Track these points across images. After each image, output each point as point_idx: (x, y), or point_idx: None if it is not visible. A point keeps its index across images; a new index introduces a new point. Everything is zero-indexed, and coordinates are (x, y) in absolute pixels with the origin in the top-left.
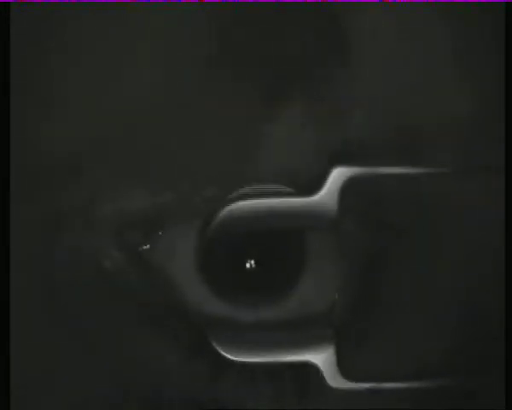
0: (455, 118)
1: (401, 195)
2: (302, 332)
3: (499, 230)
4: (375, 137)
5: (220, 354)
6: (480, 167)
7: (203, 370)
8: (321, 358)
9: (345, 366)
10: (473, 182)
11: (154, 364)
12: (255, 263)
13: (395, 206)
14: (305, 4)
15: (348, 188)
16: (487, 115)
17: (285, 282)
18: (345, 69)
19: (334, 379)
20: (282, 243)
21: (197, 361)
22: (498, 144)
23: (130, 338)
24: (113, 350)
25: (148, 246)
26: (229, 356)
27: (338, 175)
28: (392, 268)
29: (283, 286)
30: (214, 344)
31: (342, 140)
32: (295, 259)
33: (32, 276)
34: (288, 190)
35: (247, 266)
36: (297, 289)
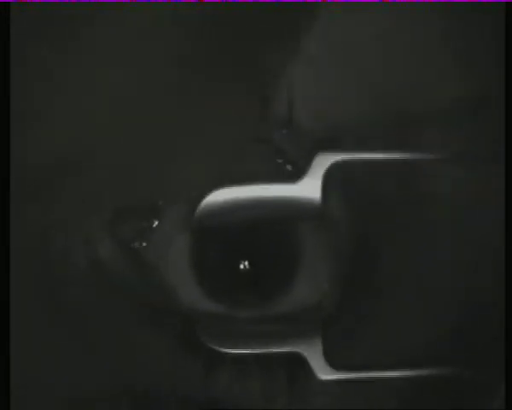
0: (442, 103)
1: (387, 180)
2: (290, 325)
3: (494, 222)
4: (361, 122)
5: (212, 349)
6: (468, 153)
7: (196, 366)
8: (309, 349)
9: (332, 356)
10: (461, 168)
11: (150, 362)
12: (249, 264)
13: (382, 192)
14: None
15: (332, 174)
16: (477, 100)
17: (278, 282)
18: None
19: (322, 370)
20: (274, 242)
21: (190, 358)
22: (490, 130)
23: (127, 337)
24: (112, 350)
25: (144, 244)
26: (220, 350)
27: (321, 161)
28: (383, 259)
29: (276, 286)
30: (205, 340)
31: (327, 126)
32: (288, 259)
33: (31, 276)
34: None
35: (241, 266)
36: (291, 289)
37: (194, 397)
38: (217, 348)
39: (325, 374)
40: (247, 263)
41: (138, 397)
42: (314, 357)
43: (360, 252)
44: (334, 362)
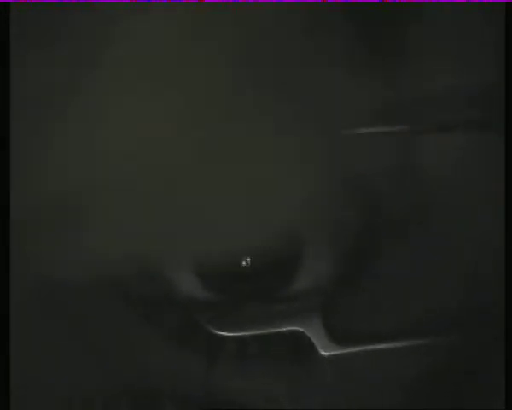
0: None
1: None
2: (291, 304)
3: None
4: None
5: (213, 333)
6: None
7: (198, 354)
8: (310, 326)
9: (334, 332)
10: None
11: (149, 358)
12: (251, 261)
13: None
14: None
15: None
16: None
17: (280, 278)
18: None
19: (324, 346)
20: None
21: (191, 347)
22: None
23: (126, 334)
24: (111, 347)
25: None
26: (221, 333)
27: None
28: (381, 242)
29: (278, 282)
30: (205, 325)
31: None
32: (290, 256)
33: (31, 276)
34: None
35: (243, 263)
36: (292, 285)
37: (197, 387)
38: (217, 331)
39: (328, 350)
40: (249, 260)
41: (138, 396)
42: (316, 334)
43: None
44: (336, 337)
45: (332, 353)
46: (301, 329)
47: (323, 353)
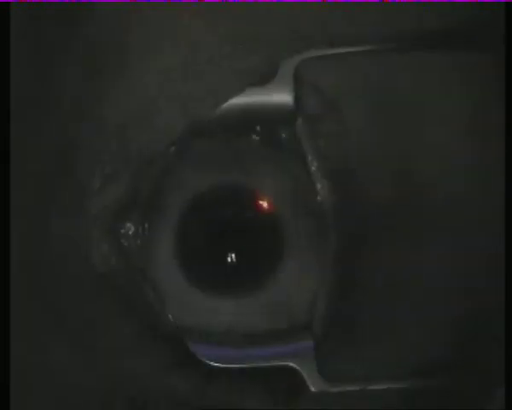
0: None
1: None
2: (284, 338)
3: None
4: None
5: (203, 363)
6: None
7: (186, 378)
8: (302, 363)
9: (325, 370)
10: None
11: (141, 368)
12: (236, 256)
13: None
14: None
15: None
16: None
17: (264, 271)
18: None
19: (315, 383)
20: (261, 231)
21: (182, 373)
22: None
23: (120, 343)
24: (104, 352)
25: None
26: (212, 363)
27: (289, 64)
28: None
29: (263, 276)
30: (196, 354)
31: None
32: (274, 249)
33: (31, 275)
34: None
35: (228, 259)
36: (276, 279)
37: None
38: (211, 363)
39: (318, 387)
40: (233, 256)
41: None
42: (307, 370)
43: (348, 242)
44: (327, 375)
45: (322, 390)
46: (295, 365)
47: (313, 389)
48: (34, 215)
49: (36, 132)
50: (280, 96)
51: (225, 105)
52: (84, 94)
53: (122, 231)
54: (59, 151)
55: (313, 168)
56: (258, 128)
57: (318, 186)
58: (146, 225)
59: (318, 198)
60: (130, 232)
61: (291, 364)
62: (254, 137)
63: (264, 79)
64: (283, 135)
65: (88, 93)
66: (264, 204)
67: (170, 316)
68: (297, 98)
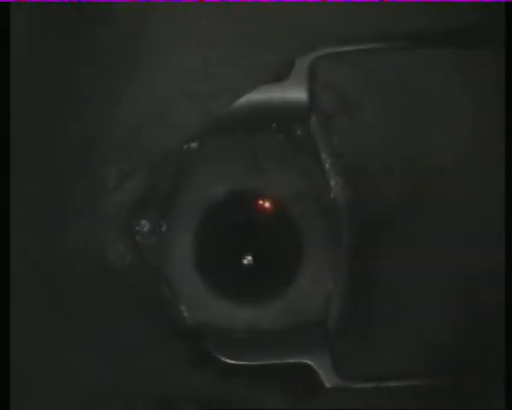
0: None
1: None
2: (299, 333)
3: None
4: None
5: (221, 360)
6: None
7: (205, 376)
8: (317, 360)
9: (340, 366)
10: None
11: (160, 365)
12: (252, 259)
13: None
14: None
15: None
16: None
17: (282, 276)
18: None
19: (330, 380)
20: (278, 235)
21: (199, 370)
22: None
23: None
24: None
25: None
26: (229, 361)
27: (303, 62)
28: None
29: (280, 280)
30: (214, 352)
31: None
32: (290, 251)
33: (47, 274)
34: None
35: (244, 262)
36: (293, 280)
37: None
38: (227, 359)
39: (333, 383)
40: (250, 258)
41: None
42: (322, 367)
43: (362, 240)
44: (342, 372)
45: (337, 386)
46: (309, 362)
47: (328, 385)
48: (50, 214)
49: (52, 132)
50: (295, 94)
51: (240, 103)
52: (100, 94)
53: (137, 228)
54: (75, 150)
55: (327, 166)
56: (273, 125)
57: (332, 183)
58: (162, 223)
59: (332, 196)
60: (146, 230)
61: (306, 361)
62: (269, 134)
63: (279, 76)
64: (298, 132)
65: (104, 93)
66: (280, 204)
67: (186, 315)
68: (311, 95)
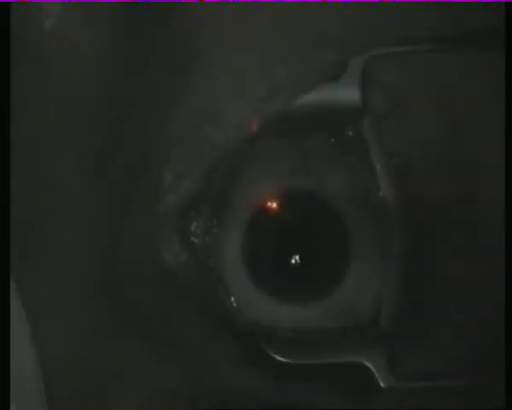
0: None
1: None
2: (351, 333)
3: None
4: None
5: (274, 358)
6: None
7: (260, 374)
8: (371, 358)
9: (394, 366)
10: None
11: (214, 365)
12: (300, 258)
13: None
14: None
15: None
16: None
17: (329, 275)
18: None
19: (385, 379)
20: (325, 234)
21: (253, 368)
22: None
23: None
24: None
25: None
26: (283, 360)
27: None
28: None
29: (328, 280)
30: (266, 349)
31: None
32: (339, 252)
33: (103, 274)
34: None
35: (292, 261)
36: (343, 280)
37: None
38: (281, 358)
39: (388, 383)
40: (298, 257)
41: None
42: (377, 366)
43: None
44: (397, 371)
45: (391, 386)
46: (364, 361)
47: (383, 385)
48: (107, 213)
49: (113, 133)
50: (348, 94)
51: (294, 103)
52: (157, 94)
53: (192, 227)
54: (132, 150)
55: (377, 166)
56: (326, 126)
57: (383, 184)
58: (215, 223)
59: (383, 197)
60: (199, 230)
61: (360, 361)
62: (321, 134)
63: (333, 77)
64: (350, 133)
65: (162, 92)
66: (329, 204)
67: (236, 313)
68: (364, 96)
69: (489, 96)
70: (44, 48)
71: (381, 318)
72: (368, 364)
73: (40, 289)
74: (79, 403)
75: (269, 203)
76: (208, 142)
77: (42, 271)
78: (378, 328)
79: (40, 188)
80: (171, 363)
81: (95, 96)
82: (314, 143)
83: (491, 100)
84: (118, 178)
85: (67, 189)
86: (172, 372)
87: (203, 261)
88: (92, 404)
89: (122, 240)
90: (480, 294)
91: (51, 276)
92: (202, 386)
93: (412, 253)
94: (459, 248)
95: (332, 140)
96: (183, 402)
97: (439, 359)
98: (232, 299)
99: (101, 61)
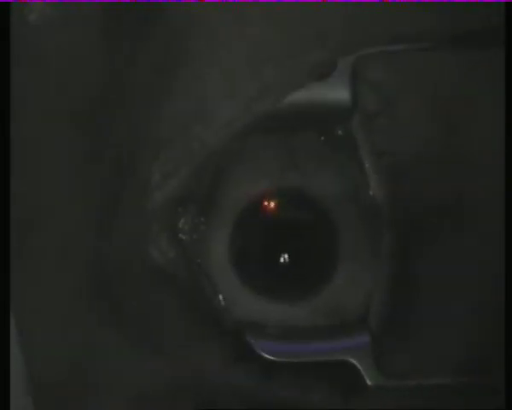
0: None
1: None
2: (339, 331)
3: None
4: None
5: (262, 356)
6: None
7: (247, 372)
8: (359, 357)
9: (382, 364)
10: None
11: (201, 362)
12: (288, 257)
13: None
14: None
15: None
16: None
17: (318, 274)
18: None
19: (372, 378)
20: (314, 233)
21: (239, 365)
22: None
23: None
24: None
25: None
26: (270, 358)
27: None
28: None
29: (317, 278)
30: (253, 347)
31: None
32: (328, 251)
33: (94, 272)
34: None
35: (281, 260)
36: (332, 279)
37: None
38: (269, 356)
39: (376, 381)
40: (286, 256)
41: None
42: (365, 365)
43: (402, 240)
44: (384, 370)
45: (378, 384)
46: (352, 360)
47: (370, 383)
48: (97, 213)
49: (102, 132)
50: (337, 93)
51: (283, 101)
52: (147, 94)
53: (180, 224)
54: (121, 149)
55: (367, 165)
56: (316, 125)
57: (373, 183)
58: (202, 220)
59: (373, 196)
60: (187, 227)
61: (348, 358)
62: (310, 133)
63: (322, 76)
64: (339, 132)
65: (151, 92)
66: (318, 203)
67: (223, 310)
68: (354, 95)
69: (488, 95)
70: (31, 46)
71: (369, 317)
72: (355, 362)
73: (28, 289)
74: (66, 403)
75: (257, 202)
76: (198, 141)
77: (30, 270)
78: (367, 327)
79: (40, 188)
80: (159, 361)
81: (82, 95)
82: (303, 142)
83: (490, 100)
84: (107, 178)
85: (61, 188)
86: (160, 370)
87: (191, 259)
88: (79, 403)
89: (112, 240)
90: (470, 294)
91: (40, 276)
92: (190, 384)
93: (401, 252)
94: (449, 248)
95: (322, 138)
96: (171, 400)
97: (427, 358)
98: (220, 297)
99: (89, 60)
